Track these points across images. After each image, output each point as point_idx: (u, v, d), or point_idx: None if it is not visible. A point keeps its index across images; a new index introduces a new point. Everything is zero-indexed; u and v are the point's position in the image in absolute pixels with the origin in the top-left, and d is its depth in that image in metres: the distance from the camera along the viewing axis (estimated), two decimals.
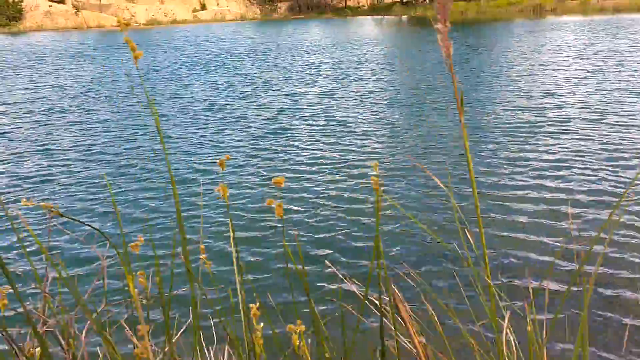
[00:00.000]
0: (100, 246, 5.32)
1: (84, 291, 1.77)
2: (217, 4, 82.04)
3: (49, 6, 65.54)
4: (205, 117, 11.75)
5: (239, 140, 9.70)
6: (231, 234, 1.44)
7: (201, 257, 1.32)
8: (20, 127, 11.26)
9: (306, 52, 25.84)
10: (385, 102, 12.60)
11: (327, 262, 4.76)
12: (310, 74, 17.97)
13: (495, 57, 19.89)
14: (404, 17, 59.82)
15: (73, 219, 1.38)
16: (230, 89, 15.62)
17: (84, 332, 1.51)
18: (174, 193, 1.31)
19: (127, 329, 1.51)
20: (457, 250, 4.84)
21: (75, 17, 65.42)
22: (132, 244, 1.18)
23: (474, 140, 8.82)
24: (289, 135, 9.96)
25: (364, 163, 7.94)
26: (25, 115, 12.56)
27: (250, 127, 10.72)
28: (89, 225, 1.49)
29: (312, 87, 15.38)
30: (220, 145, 9.47)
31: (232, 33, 44.08)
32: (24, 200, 1.24)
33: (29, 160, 8.79)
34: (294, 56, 24.03)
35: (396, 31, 40.30)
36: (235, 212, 6.21)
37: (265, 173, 7.69)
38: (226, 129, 10.67)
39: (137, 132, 10.54)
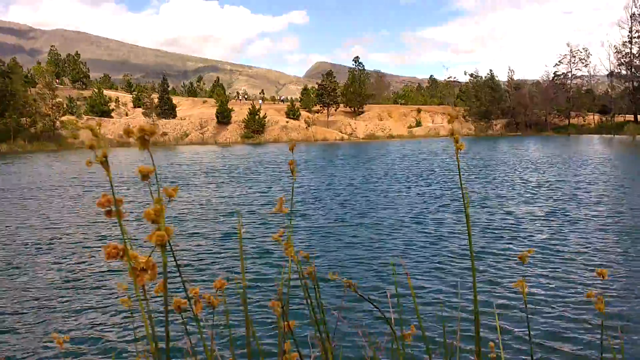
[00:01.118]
0: None
1: None
2: (432, 121, 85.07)
3: (286, 121, 75.72)
4: (408, 230, 11.44)
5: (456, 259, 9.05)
6: None
7: None
8: (252, 223, 12.41)
9: (524, 168, 24.42)
10: (620, 230, 10.75)
11: None
12: (530, 192, 16.66)
13: None
14: (639, 137, 53.67)
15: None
16: (439, 202, 15.22)
17: None
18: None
19: None
20: None
21: (305, 131, 74.07)
22: None
23: None
24: (508, 259, 8.97)
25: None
26: (252, 214, 13.90)
27: (456, 245, 10.02)
28: None
29: (531, 206, 14.11)
30: (434, 260, 8.93)
31: (444, 148, 44.58)
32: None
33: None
34: (510, 172, 22.85)
35: (629, 152, 36.04)
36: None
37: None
38: (438, 244, 10.14)
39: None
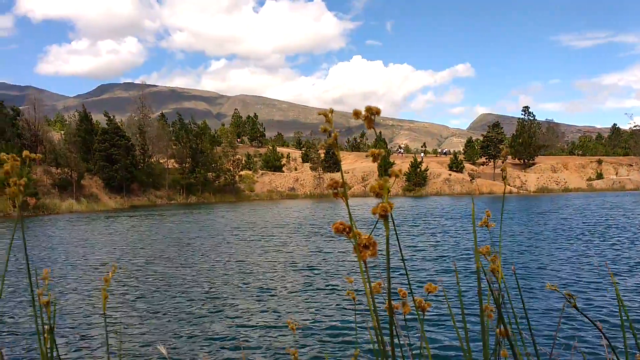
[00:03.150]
0: None
1: None
2: (616, 173, 76.35)
3: (449, 174, 74.15)
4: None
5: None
6: None
7: None
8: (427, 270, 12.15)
9: None
10: None
11: None
12: None
13: None
14: None
15: None
16: (627, 265, 13.32)
17: None
18: None
19: None
20: None
21: (469, 184, 71.64)
22: None
23: None
24: None
25: None
26: (430, 264, 13.62)
27: None
28: None
29: None
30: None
31: (634, 203, 39.44)
32: None
33: None
34: None
35: None
36: None
37: None
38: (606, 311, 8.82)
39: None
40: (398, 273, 11.45)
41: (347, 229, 0.71)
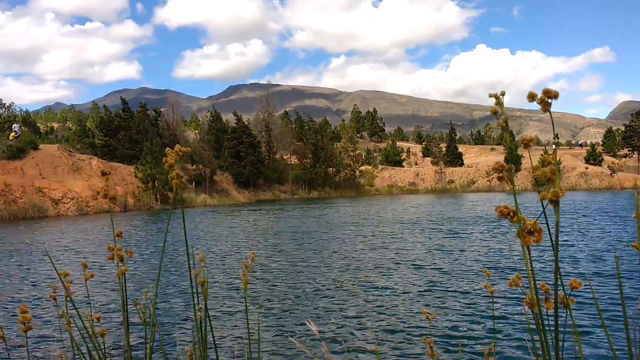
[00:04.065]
0: None
1: None
2: None
3: (585, 167, 68.23)
4: None
5: None
6: None
7: None
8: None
9: None
10: None
11: None
12: None
13: None
14: None
15: None
16: None
17: None
18: None
19: None
20: None
21: (609, 178, 65.34)
22: None
23: None
24: None
25: None
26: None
27: None
28: None
29: None
30: None
31: None
32: None
33: None
34: None
35: None
36: None
37: None
38: None
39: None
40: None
41: (512, 213, 0.68)
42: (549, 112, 0.69)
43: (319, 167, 67.59)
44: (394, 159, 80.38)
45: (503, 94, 0.76)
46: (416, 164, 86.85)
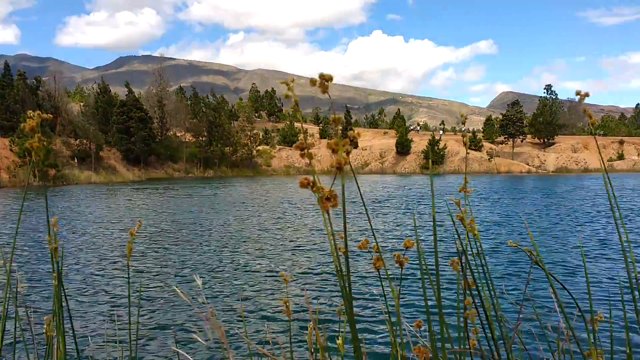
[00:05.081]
0: None
1: None
2: (638, 154, 74.97)
3: (467, 152, 73.49)
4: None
5: None
6: None
7: None
8: None
9: None
10: None
11: None
12: None
13: None
14: None
15: None
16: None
17: None
18: None
19: None
20: None
21: (487, 163, 71.01)
22: None
23: None
24: None
25: None
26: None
27: None
28: None
29: None
30: None
31: None
32: None
33: None
34: None
35: None
36: None
37: None
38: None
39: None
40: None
41: (312, 183, 0.79)
42: (328, 94, 0.80)
43: (214, 146, 66.26)
44: (291, 140, 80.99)
45: (292, 80, 0.83)
46: (313, 145, 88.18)
